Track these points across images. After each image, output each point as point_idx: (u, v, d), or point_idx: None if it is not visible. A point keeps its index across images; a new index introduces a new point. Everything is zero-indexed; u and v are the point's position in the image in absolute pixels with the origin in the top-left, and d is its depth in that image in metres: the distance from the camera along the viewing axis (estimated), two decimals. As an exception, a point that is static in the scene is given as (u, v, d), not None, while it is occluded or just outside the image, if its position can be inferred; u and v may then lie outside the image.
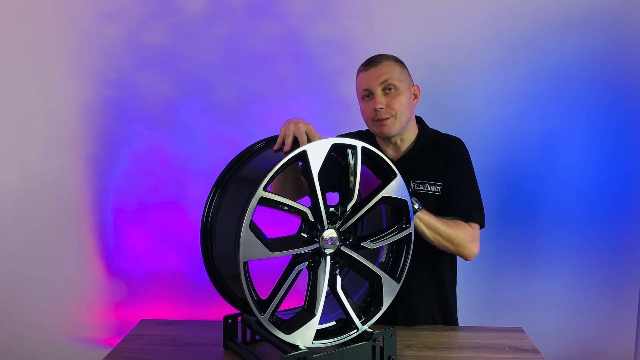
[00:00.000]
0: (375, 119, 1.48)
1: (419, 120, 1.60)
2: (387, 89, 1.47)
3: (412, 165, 1.53)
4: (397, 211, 1.28)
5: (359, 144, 1.17)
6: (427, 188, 1.52)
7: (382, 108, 1.46)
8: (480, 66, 2.13)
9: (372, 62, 1.50)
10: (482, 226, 1.52)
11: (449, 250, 1.47)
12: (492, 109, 2.15)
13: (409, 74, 1.54)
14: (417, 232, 1.41)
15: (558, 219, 2.19)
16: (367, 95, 1.50)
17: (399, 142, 1.55)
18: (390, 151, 1.57)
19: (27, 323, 2.21)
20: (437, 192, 1.51)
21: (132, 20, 2.12)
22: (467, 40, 2.12)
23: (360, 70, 1.53)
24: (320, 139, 1.15)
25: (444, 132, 1.62)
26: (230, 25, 2.14)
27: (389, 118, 1.47)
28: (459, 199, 1.51)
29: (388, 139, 1.54)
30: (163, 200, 2.19)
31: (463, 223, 1.48)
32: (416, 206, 1.37)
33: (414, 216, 1.36)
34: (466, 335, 1.48)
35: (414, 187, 1.52)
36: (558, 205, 2.18)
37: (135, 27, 2.13)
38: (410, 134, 1.55)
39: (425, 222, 1.40)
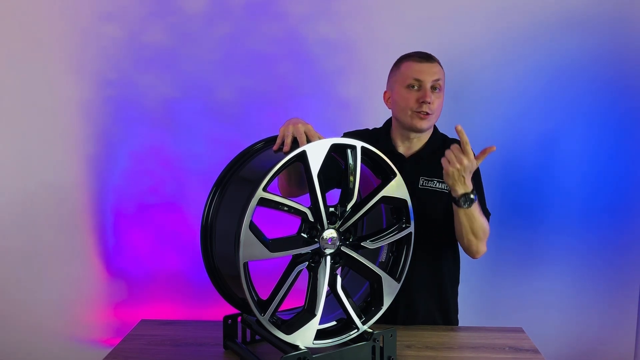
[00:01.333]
0: (418, 110, 1.49)
1: None
2: (435, 87, 1.50)
3: (422, 162, 1.57)
4: (397, 211, 1.28)
5: (359, 144, 1.17)
6: (435, 185, 1.55)
7: (430, 102, 1.48)
8: (480, 66, 2.13)
9: (428, 58, 1.52)
10: None
11: (466, 243, 1.48)
12: (491, 109, 2.15)
13: None
14: (455, 217, 1.44)
15: (558, 218, 2.19)
16: (414, 85, 1.50)
17: (415, 140, 1.57)
18: (403, 147, 1.59)
19: (27, 323, 2.21)
20: (446, 189, 1.53)
21: (132, 20, 2.12)
22: (466, 40, 2.12)
23: (411, 60, 1.53)
24: (319, 138, 1.16)
25: (444, 132, 1.64)
26: (230, 25, 2.14)
27: (429, 114, 1.50)
28: None
29: (407, 134, 1.56)
30: (163, 200, 2.19)
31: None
32: (472, 196, 1.38)
33: (468, 208, 1.38)
34: (466, 335, 1.48)
35: (422, 183, 1.55)
36: (558, 205, 2.18)
37: (135, 27, 2.12)
38: (426, 135, 1.59)
39: (472, 214, 1.42)
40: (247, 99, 2.16)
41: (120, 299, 2.22)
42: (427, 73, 1.49)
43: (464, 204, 1.38)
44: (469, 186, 1.37)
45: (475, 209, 1.42)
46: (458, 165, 1.32)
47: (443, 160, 1.34)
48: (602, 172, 2.17)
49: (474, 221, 1.43)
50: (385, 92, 1.60)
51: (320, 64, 2.15)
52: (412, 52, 1.55)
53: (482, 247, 1.50)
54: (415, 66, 1.51)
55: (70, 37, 2.12)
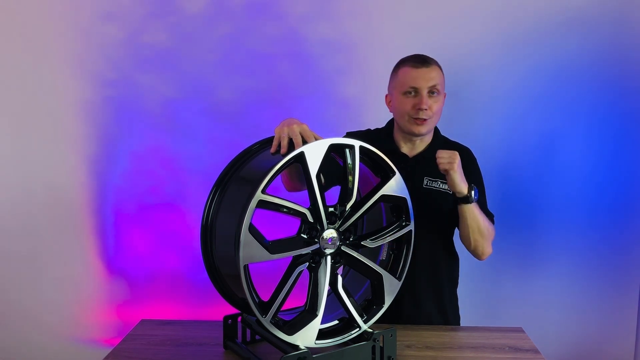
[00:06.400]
0: (415, 116, 1.51)
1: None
2: (432, 92, 1.51)
3: (426, 163, 1.58)
4: (397, 209, 1.28)
5: (357, 144, 1.17)
6: (439, 186, 1.57)
7: (426, 109, 1.49)
8: (480, 66, 2.13)
9: (424, 62, 1.52)
10: None
11: (473, 244, 1.52)
12: (492, 109, 2.15)
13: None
14: (460, 219, 1.48)
15: (558, 218, 2.18)
16: (411, 92, 1.52)
17: (418, 141, 1.59)
18: (406, 148, 1.61)
19: (28, 323, 2.21)
20: (449, 190, 1.53)
21: (132, 20, 2.12)
22: (467, 40, 2.12)
23: (407, 66, 1.53)
24: (315, 138, 1.15)
25: (444, 133, 1.66)
26: (230, 25, 2.14)
27: (426, 119, 1.51)
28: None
29: (409, 137, 1.58)
30: (163, 200, 2.19)
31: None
32: (473, 194, 1.44)
33: (469, 205, 1.45)
34: (466, 335, 1.48)
35: (426, 183, 1.57)
36: (558, 205, 2.18)
37: (135, 27, 2.12)
38: (428, 137, 1.61)
39: (476, 214, 1.47)
40: (247, 99, 2.16)
41: (121, 298, 2.22)
42: (423, 79, 1.50)
43: (470, 198, 1.43)
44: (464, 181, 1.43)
45: (478, 208, 1.46)
46: (446, 163, 1.41)
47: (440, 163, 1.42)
48: (602, 172, 2.17)
49: (479, 220, 1.47)
50: (386, 96, 1.62)
51: (320, 64, 2.15)
52: (409, 56, 1.55)
53: (487, 248, 1.54)
54: (412, 72, 1.51)
55: (71, 37, 2.12)
